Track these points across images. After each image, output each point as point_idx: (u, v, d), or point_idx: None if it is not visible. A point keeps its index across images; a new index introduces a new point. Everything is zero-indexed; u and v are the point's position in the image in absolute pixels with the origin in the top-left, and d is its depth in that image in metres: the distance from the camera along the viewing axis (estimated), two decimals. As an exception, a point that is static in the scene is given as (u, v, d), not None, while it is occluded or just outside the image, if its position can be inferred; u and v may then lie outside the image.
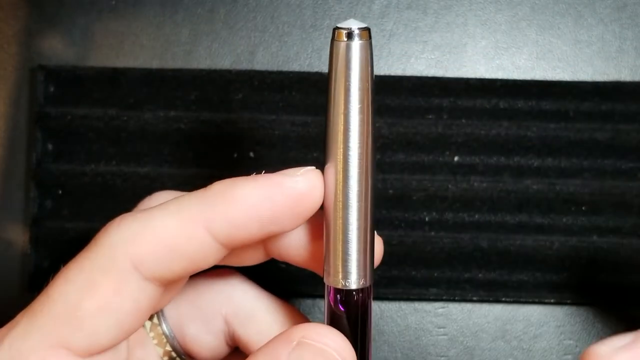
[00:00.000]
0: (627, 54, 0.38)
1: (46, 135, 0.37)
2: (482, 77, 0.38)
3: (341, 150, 0.22)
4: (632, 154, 0.37)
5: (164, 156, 0.37)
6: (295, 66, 0.38)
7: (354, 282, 0.23)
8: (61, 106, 0.37)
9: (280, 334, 0.23)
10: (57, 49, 0.38)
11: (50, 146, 0.37)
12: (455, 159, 0.37)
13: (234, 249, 0.24)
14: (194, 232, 0.22)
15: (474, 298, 0.37)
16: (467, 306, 0.38)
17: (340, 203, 0.23)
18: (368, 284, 0.24)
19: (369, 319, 0.24)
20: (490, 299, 0.37)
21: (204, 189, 0.23)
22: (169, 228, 0.22)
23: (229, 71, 0.37)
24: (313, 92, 0.37)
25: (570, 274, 0.37)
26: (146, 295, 0.23)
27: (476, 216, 0.37)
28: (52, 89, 0.37)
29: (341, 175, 0.23)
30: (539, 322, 0.37)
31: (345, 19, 0.23)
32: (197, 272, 0.24)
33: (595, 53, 0.38)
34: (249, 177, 0.23)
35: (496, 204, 0.37)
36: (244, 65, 0.38)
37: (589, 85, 0.37)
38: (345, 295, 0.23)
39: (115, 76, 0.37)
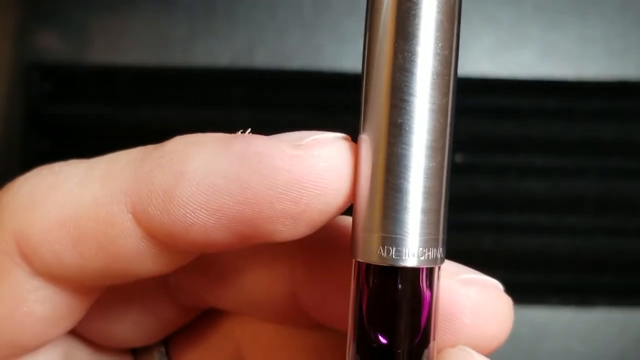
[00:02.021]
0: (632, 51, 0.38)
1: (42, 134, 0.37)
2: (485, 75, 0.37)
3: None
4: (637, 152, 0.37)
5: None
6: (295, 64, 0.37)
7: (411, 255, 0.12)
8: (57, 104, 0.37)
9: None
10: (53, 46, 0.38)
11: (45, 144, 0.37)
12: (458, 158, 0.37)
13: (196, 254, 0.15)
14: (116, 214, 0.14)
15: (477, 300, 0.37)
16: (470, 308, 0.37)
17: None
18: (440, 260, 0.12)
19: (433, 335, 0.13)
20: (494, 300, 0.37)
21: (160, 145, 0.15)
22: (80, 201, 0.14)
23: (227, 69, 0.37)
24: (313, 89, 0.37)
25: (575, 275, 0.37)
26: (40, 298, 0.15)
27: (479, 217, 0.37)
28: (47, 87, 0.37)
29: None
30: (544, 324, 0.37)
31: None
32: (129, 280, 0.15)
33: (600, 51, 0.38)
34: (222, 137, 0.14)
35: (499, 204, 0.37)
36: (243, 62, 0.37)
37: (594, 84, 0.37)
38: (387, 280, 0.12)
39: (111, 74, 0.37)
